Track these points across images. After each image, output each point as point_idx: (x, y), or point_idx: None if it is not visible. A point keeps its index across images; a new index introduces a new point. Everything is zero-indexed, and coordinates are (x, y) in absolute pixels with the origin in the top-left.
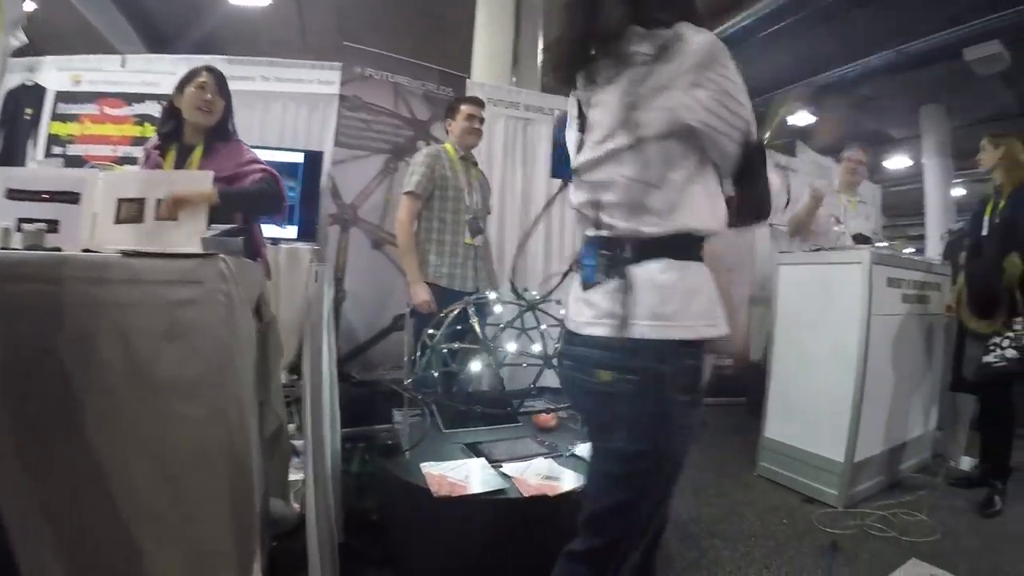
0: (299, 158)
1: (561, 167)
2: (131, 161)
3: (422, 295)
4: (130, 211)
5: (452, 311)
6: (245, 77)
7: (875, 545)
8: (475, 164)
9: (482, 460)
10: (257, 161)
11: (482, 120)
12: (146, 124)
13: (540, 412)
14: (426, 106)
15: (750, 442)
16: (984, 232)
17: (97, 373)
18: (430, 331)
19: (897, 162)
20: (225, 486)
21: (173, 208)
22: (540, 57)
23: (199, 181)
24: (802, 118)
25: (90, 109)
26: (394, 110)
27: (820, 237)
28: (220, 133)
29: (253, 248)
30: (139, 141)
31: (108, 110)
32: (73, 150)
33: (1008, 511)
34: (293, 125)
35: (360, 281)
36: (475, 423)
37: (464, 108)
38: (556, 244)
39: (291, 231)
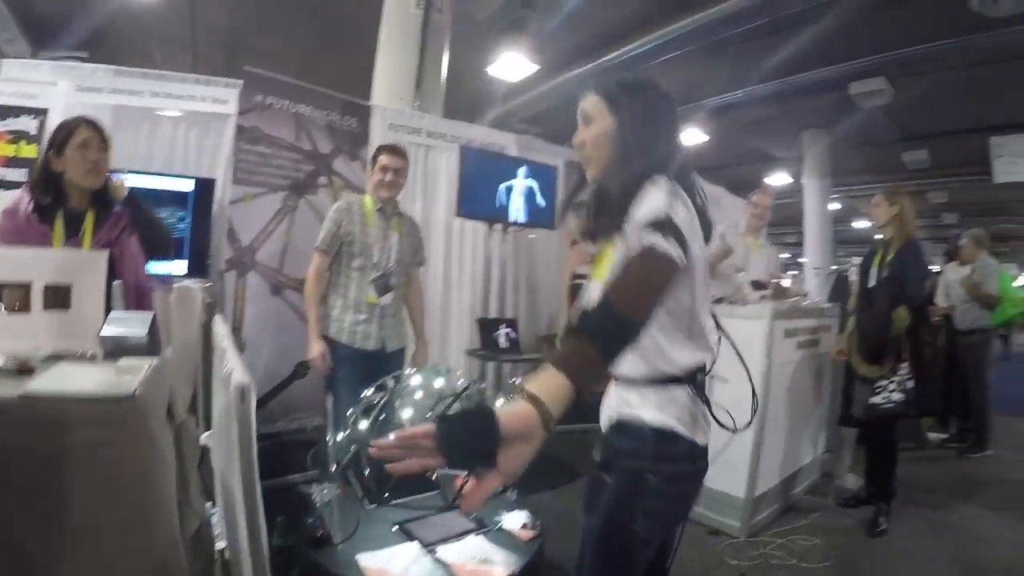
0: (189, 186)
1: (467, 204)
2: (5, 185)
3: (315, 350)
4: (12, 298)
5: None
6: (132, 92)
7: (778, 574)
8: (399, 215)
9: (416, 544)
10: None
11: (397, 171)
12: (21, 143)
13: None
14: (329, 138)
15: None
16: (872, 283)
17: (8, 524)
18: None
19: (778, 179)
20: None
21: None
22: (444, 80)
23: (93, 263)
24: (690, 136)
25: None
26: (295, 143)
27: (721, 282)
28: (104, 196)
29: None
30: (15, 162)
31: None
32: None
33: (893, 529)
34: (183, 148)
35: (259, 330)
36: (398, 494)
37: (380, 159)
38: (455, 276)
39: (180, 266)
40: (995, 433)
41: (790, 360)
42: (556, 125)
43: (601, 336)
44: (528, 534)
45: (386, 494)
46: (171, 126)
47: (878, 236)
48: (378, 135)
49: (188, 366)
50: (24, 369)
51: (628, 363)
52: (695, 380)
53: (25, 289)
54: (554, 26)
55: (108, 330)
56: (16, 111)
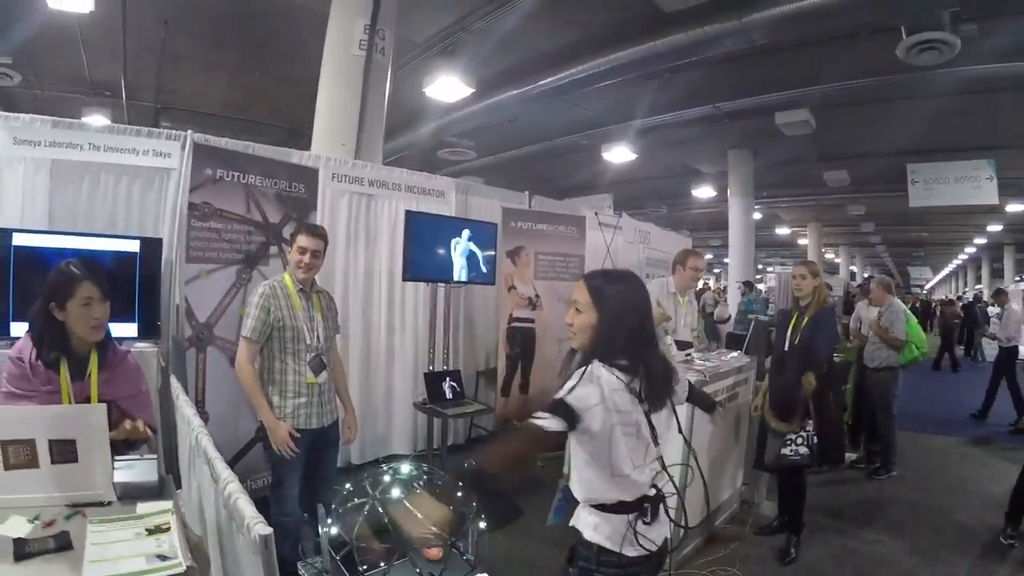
0: (135, 246)
1: (413, 268)
2: None
3: (282, 435)
4: (19, 455)
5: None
6: (71, 144)
7: None
8: (317, 292)
9: None
10: (145, 386)
11: (316, 254)
12: None
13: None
14: (278, 207)
15: None
16: (786, 347)
17: None
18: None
19: (703, 192)
20: None
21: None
22: (384, 124)
23: (94, 416)
24: (620, 155)
25: None
26: (246, 215)
27: None
28: (107, 336)
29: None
30: None
31: None
32: None
33: (803, 556)
34: (126, 203)
35: (220, 401)
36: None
37: (298, 239)
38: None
39: (130, 329)
40: (899, 451)
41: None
42: (488, 138)
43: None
44: None
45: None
46: (113, 180)
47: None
48: (320, 186)
49: None
50: (60, 543)
51: (575, 487)
52: (639, 507)
53: (31, 446)
54: (490, 50)
55: (120, 476)
56: None
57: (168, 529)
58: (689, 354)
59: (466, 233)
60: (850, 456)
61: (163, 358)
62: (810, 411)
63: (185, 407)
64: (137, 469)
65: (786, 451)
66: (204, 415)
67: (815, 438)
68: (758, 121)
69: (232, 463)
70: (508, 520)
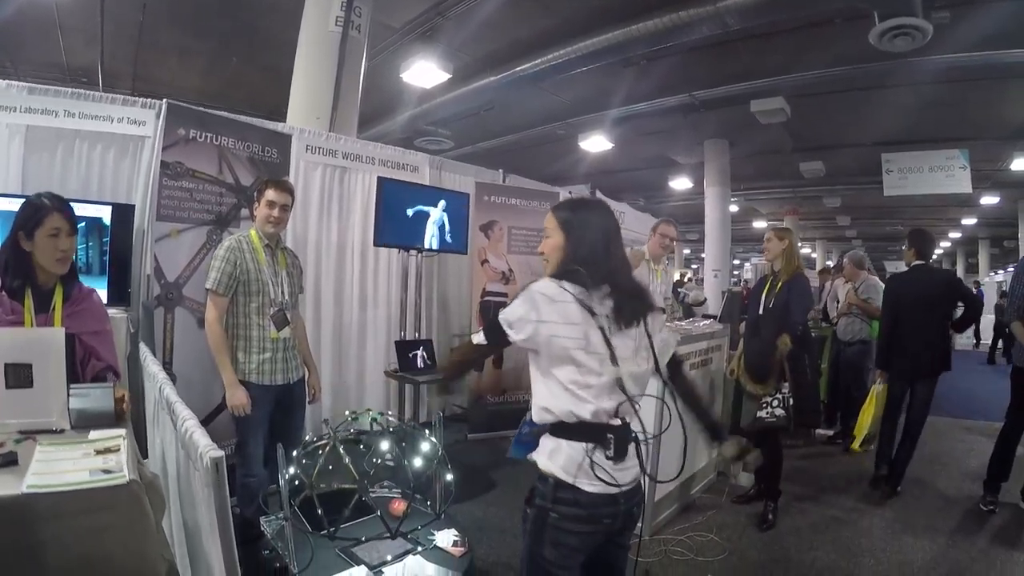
0: (106, 213)
1: (383, 234)
2: None
3: (239, 398)
4: None
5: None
6: (46, 111)
7: (679, 568)
8: (282, 249)
9: (364, 569)
10: (109, 325)
11: (285, 207)
12: None
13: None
14: (250, 170)
15: None
16: (760, 311)
17: None
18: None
19: (680, 183)
20: None
21: None
22: (359, 101)
23: (50, 341)
24: (596, 143)
25: None
26: (218, 176)
27: None
28: (72, 270)
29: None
30: None
31: None
32: None
33: (780, 524)
34: (100, 171)
35: (189, 362)
36: (336, 519)
37: (267, 193)
38: (371, 297)
39: (101, 295)
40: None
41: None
42: (465, 127)
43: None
44: (459, 551)
45: (331, 527)
46: (87, 147)
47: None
48: (294, 158)
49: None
50: (6, 460)
51: (534, 412)
52: (600, 436)
53: None
54: (467, 36)
55: (75, 403)
56: None
57: (117, 450)
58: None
59: (442, 203)
60: (826, 432)
61: (132, 324)
62: (785, 373)
63: (151, 365)
64: (92, 396)
65: (762, 413)
66: (171, 376)
67: (791, 399)
68: (734, 111)
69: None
70: (483, 491)
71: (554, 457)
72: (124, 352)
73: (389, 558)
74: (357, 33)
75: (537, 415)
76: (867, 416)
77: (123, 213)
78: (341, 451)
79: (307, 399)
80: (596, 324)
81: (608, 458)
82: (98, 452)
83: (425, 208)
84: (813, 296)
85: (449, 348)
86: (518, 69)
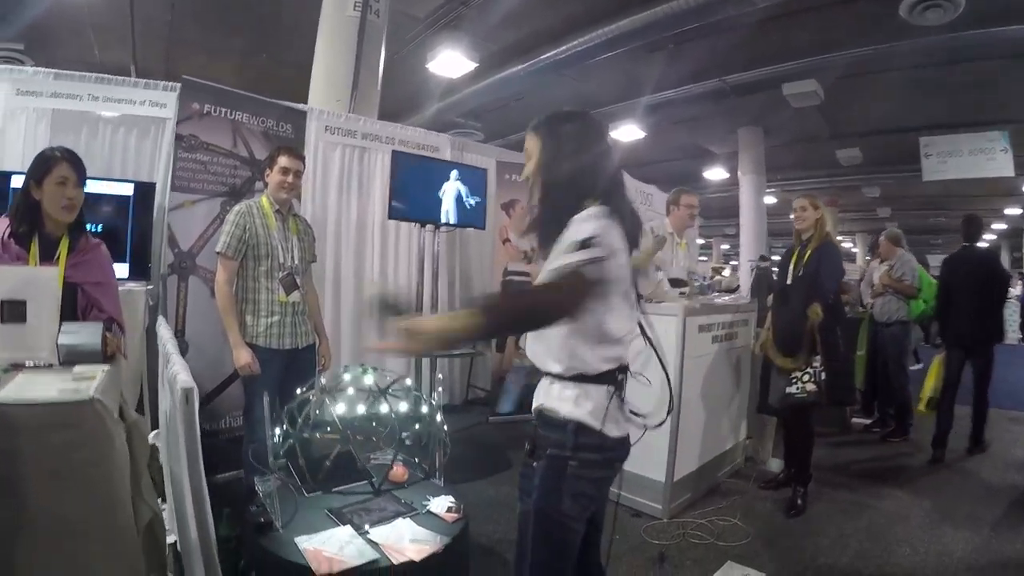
0: (129, 190)
1: (397, 207)
2: None
3: (243, 358)
4: None
5: (308, 394)
6: (71, 95)
7: (696, 552)
8: (293, 215)
9: (349, 528)
10: (113, 278)
11: (298, 174)
12: None
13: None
14: (265, 144)
15: None
16: (789, 281)
17: None
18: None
19: (715, 173)
20: None
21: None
22: (380, 83)
23: (46, 279)
24: (628, 132)
25: None
26: (232, 149)
27: (641, 282)
28: (79, 223)
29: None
30: None
31: None
32: None
33: (810, 510)
34: (123, 151)
35: (201, 330)
36: (332, 483)
37: (280, 159)
38: (391, 274)
39: (122, 270)
40: (916, 421)
41: (705, 354)
42: (495, 120)
43: (486, 320)
44: (452, 516)
45: (320, 484)
46: (110, 130)
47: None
48: (314, 138)
49: (134, 367)
50: None
51: (549, 360)
52: (615, 379)
53: None
54: (492, 24)
55: (64, 339)
56: None
57: (93, 378)
58: (683, 292)
59: (454, 174)
60: (863, 421)
61: (152, 298)
62: (816, 345)
63: (163, 329)
64: (81, 334)
65: (792, 389)
66: (184, 344)
67: (823, 374)
68: (767, 96)
69: (211, 397)
70: (498, 470)
71: (581, 403)
72: (143, 324)
73: (376, 519)
74: (376, 18)
75: (562, 366)
76: (931, 379)
77: (144, 191)
78: (327, 401)
79: (317, 368)
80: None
81: (622, 400)
82: (75, 380)
83: (440, 182)
84: (843, 265)
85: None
86: (543, 57)
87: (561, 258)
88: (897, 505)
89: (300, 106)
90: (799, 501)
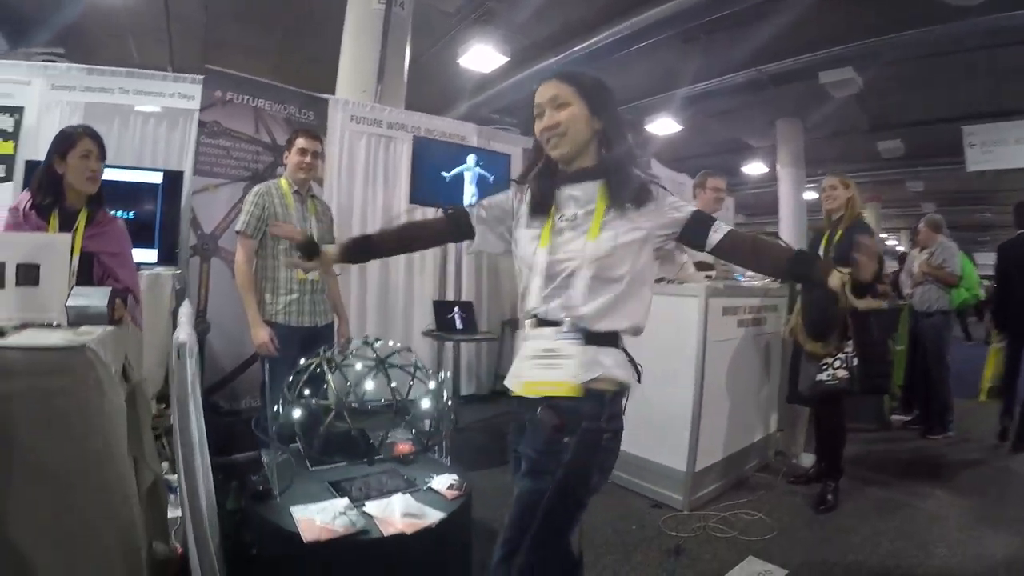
0: (158, 178)
1: (419, 192)
2: None
3: (261, 337)
4: None
5: (310, 364)
6: (103, 89)
7: (716, 546)
8: (312, 196)
9: (345, 500)
10: (129, 250)
11: (316, 155)
12: None
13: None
14: (287, 130)
15: None
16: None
17: None
18: (290, 379)
19: (754, 168)
20: (114, 557)
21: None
22: (406, 73)
23: (59, 245)
24: (664, 126)
25: None
26: (254, 135)
27: (665, 264)
28: (98, 197)
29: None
30: None
31: None
32: None
33: (841, 506)
34: (153, 141)
35: (223, 311)
36: (338, 459)
37: (298, 141)
38: (418, 263)
39: (150, 255)
40: (957, 416)
41: (730, 338)
42: (530, 115)
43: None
44: (453, 494)
45: (323, 458)
46: (141, 121)
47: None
48: (339, 126)
49: (160, 348)
50: None
51: (619, 318)
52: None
53: (0, 268)
54: (523, 17)
55: (72, 301)
56: None
57: (91, 333)
58: (709, 276)
59: (472, 158)
60: (903, 418)
61: (178, 281)
62: (848, 329)
63: (184, 307)
64: (89, 296)
65: (822, 376)
66: (205, 324)
67: (855, 359)
68: (804, 86)
69: (232, 377)
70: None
71: (624, 366)
72: (170, 307)
73: (375, 492)
74: (401, 10)
75: (627, 323)
76: (990, 368)
77: (173, 179)
78: (325, 368)
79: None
80: None
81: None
82: (77, 335)
83: (461, 168)
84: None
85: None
86: (576, 49)
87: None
88: (935, 504)
89: (321, 94)
90: (829, 497)
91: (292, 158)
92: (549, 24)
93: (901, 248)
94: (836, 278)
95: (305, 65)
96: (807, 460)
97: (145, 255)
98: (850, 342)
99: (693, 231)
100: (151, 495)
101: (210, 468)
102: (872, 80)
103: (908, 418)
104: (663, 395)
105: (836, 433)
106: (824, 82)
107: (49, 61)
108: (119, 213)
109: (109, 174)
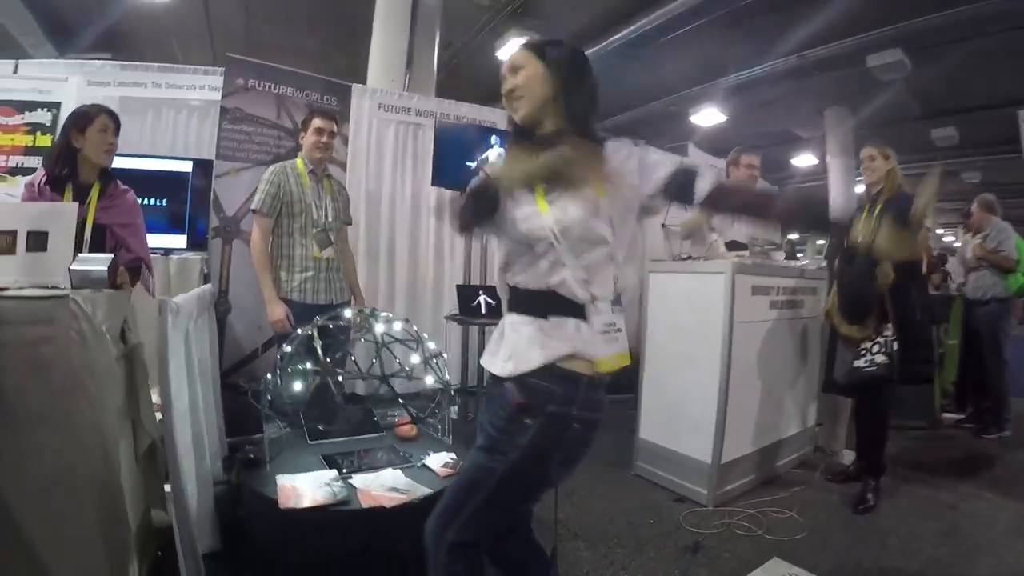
0: (188, 167)
1: (441, 175)
2: (23, 171)
3: (277, 314)
4: (3, 243)
5: (307, 331)
6: (136, 83)
7: (739, 544)
8: (327, 176)
9: (333, 472)
10: (141, 222)
11: (332, 134)
12: (37, 133)
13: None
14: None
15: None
16: (859, 240)
17: None
18: (286, 347)
19: (804, 160)
20: (91, 508)
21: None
22: (435, 62)
23: (65, 214)
24: (709, 117)
25: None
26: (277, 121)
27: (696, 243)
28: (110, 172)
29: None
30: (32, 151)
31: (1, 119)
32: None
33: (881, 507)
34: (184, 132)
35: (244, 292)
36: (340, 434)
37: (314, 122)
38: (447, 249)
39: (180, 240)
40: (1015, 415)
41: (761, 319)
42: None
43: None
44: (446, 472)
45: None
46: (172, 113)
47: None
48: (367, 114)
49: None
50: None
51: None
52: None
53: (12, 235)
54: (560, 8)
55: (75, 266)
56: (33, 105)
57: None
58: (741, 256)
59: (495, 139)
60: (955, 416)
61: (206, 266)
62: (888, 311)
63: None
64: (92, 262)
65: (860, 363)
66: (227, 304)
67: (895, 344)
68: (851, 72)
69: (251, 358)
70: None
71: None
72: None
73: (367, 466)
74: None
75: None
76: None
77: (203, 167)
78: (314, 334)
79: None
80: None
81: None
82: (73, 294)
83: (483, 151)
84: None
85: None
86: (615, 38)
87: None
88: (984, 508)
89: (343, 81)
90: (869, 496)
91: (308, 138)
92: (585, 14)
93: (958, 245)
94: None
95: (347, 65)
96: (848, 457)
97: (176, 241)
98: (889, 325)
99: (677, 186)
100: (149, 460)
101: (205, 437)
102: (921, 62)
103: (960, 416)
104: (686, 380)
105: (877, 426)
106: (871, 65)
107: None
108: (152, 201)
109: (143, 163)
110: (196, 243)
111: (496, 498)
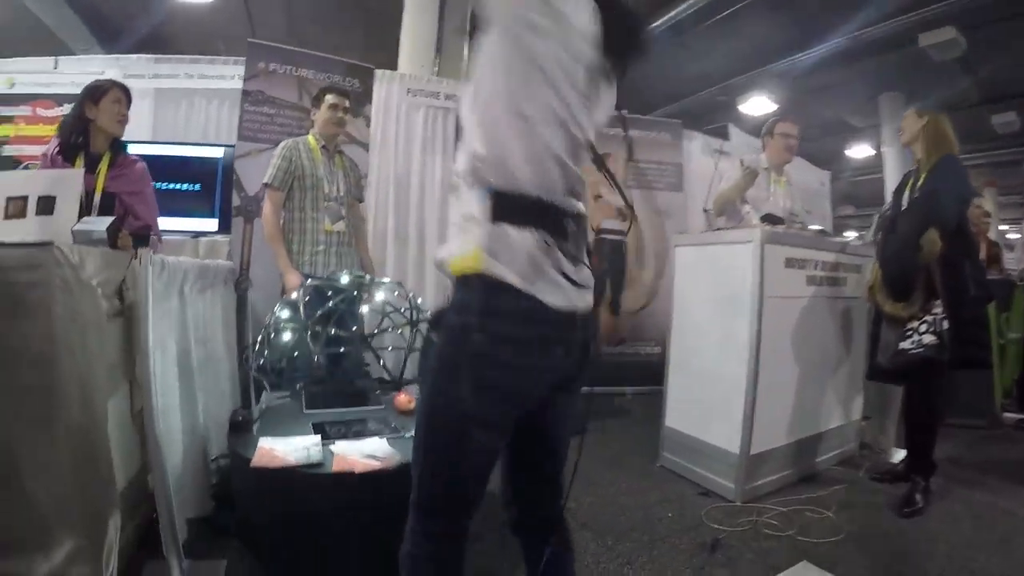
0: (219, 153)
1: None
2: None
3: (293, 282)
4: (16, 208)
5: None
6: (170, 75)
7: (765, 544)
8: (339, 152)
9: (317, 437)
10: (150, 190)
11: (346, 110)
12: None
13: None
14: None
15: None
16: (903, 207)
17: None
18: (279, 313)
19: (859, 151)
20: (70, 454)
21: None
22: (466, 48)
23: (72, 179)
24: (759, 105)
25: (24, 111)
26: (298, 102)
27: (730, 215)
28: (120, 143)
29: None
30: None
31: (41, 111)
32: (7, 151)
33: (930, 510)
34: (216, 120)
35: (264, 270)
36: (338, 404)
37: (327, 98)
38: None
39: (211, 224)
40: None
41: (797, 295)
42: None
43: None
44: None
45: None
46: (204, 102)
47: None
48: (396, 99)
49: None
50: None
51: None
52: (559, 226)
53: (23, 201)
54: None
55: (79, 226)
56: (72, 99)
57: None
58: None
59: None
60: (1017, 416)
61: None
62: (936, 286)
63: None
64: (93, 223)
65: (905, 344)
66: (248, 281)
67: (944, 323)
68: (904, 56)
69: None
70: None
71: (499, 253)
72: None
73: (353, 434)
74: None
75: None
76: None
77: (232, 153)
78: (299, 295)
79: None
80: None
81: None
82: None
83: None
84: (971, 183)
85: None
86: (657, 23)
87: None
88: None
89: (364, 64)
90: (917, 497)
91: (322, 114)
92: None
93: (1017, 236)
94: None
95: (388, 61)
96: (898, 456)
97: (207, 224)
98: (938, 302)
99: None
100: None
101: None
102: (978, 43)
103: (1023, 416)
104: (712, 361)
105: (927, 417)
106: (923, 45)
107: None
108: (186, 187)
109: (176, 150)
110: (226, 226)
111: (429, 442)
